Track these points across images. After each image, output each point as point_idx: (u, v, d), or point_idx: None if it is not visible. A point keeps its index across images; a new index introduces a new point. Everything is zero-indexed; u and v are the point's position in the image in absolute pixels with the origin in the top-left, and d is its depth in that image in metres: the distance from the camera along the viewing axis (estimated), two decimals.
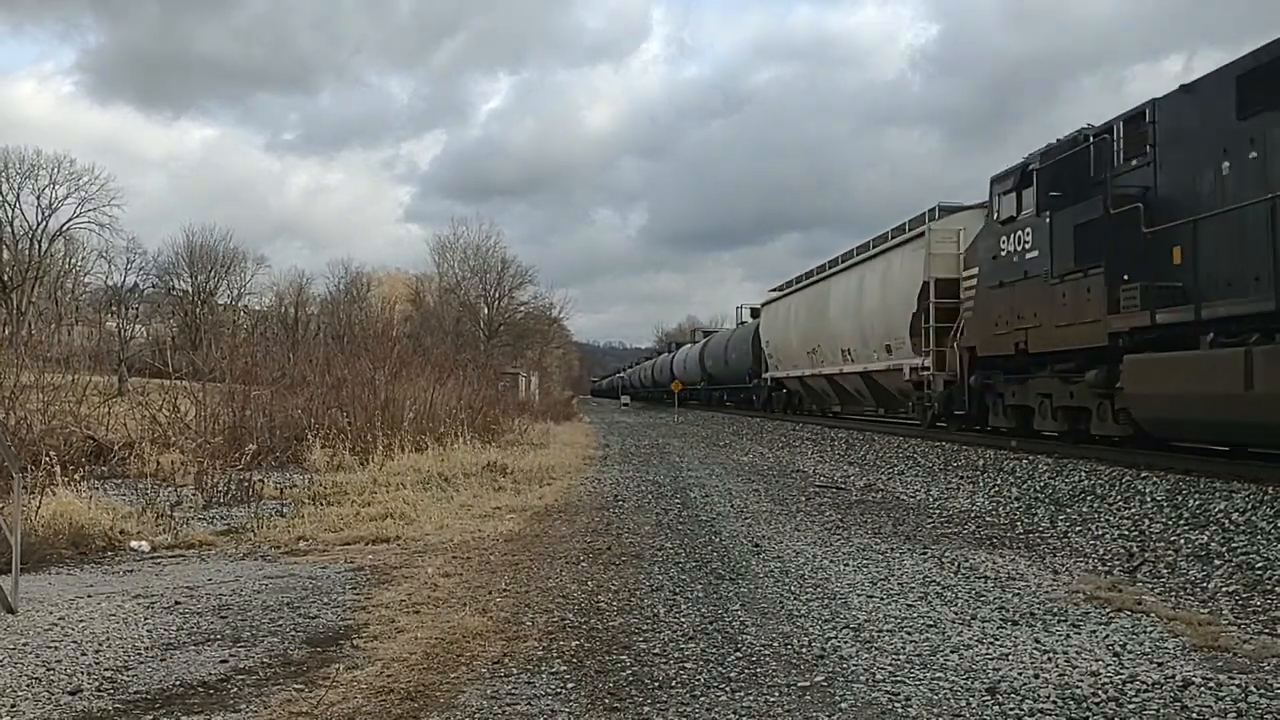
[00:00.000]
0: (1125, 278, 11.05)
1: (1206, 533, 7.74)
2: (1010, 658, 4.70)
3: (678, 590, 6.26)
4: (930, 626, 5.31)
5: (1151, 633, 5.17)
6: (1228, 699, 4.06)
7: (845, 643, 4.99)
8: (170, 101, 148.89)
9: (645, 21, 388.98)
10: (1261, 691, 4.14)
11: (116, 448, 13.00)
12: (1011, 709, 3.97)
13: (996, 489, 11.31)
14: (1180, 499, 8.90)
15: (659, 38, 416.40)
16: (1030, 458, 12.52)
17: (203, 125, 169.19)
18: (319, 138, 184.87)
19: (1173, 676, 4.37)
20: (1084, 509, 9.47)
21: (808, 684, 4.31)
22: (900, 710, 3.98)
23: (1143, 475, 10.08)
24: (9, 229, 57.70)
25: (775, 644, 4.97)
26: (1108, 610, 5.67)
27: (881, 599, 6.00)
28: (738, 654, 4.79)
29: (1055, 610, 5.69)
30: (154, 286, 64.63)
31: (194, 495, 10.57)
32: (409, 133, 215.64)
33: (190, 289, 65.41)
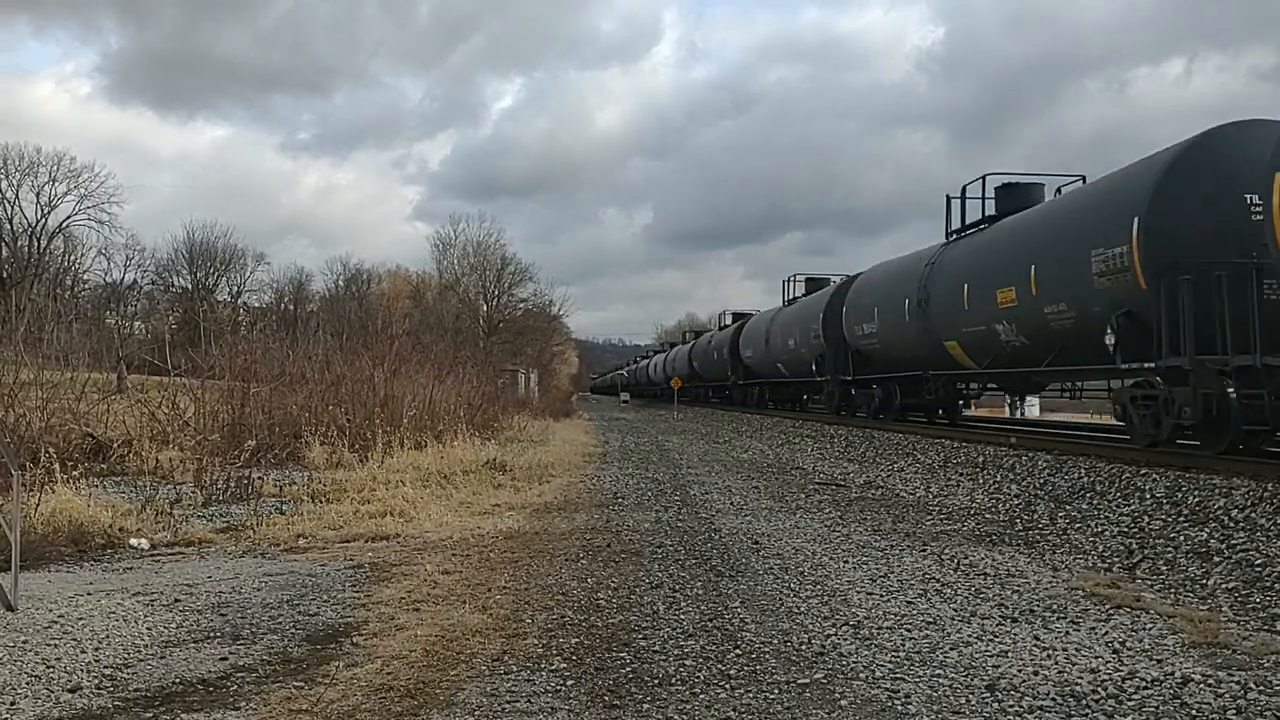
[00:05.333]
0: None
1: (1206, 530, 7.74)
2: (1010, 655, 4.70)
3: (677, 587, 6.26)
4: (930, 623, 5.32)
5: (1151, 630, 5.18)
6: (1227, 696, 4.07)
7: (845, 640, 4.99)
8: (185, 102, 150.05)
9: (657, 25, 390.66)
10: (1261, 688, 4.15)
11: (116, 445, 12.99)
12: (1011, 706, 3.97)
13: (996, 486, 11.32)
14: (1180, 496, 8.90)
15: (670, 40, 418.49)
16: (1030, 454, 12.53)
17: (217, 125, 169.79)
18: (333, 138, 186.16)
19: (1172, 673, 4.37)
20: (1083, 506, 9.47)
21: (807, 681, 4.32)
22: (900, 707, 3.98)
23: (1142, 472, 10.08)
24: (8, 226, 57.76)
25: (775, 641, 4.97)
26: (1107, 607, 5.68)
27: (881, 596, 6.00)
28: (737, 651, 4.79)
29: (1055, 607, 5.69)
30: (153, 284, 64.68)
31: (193, 493, 10.56)
32: (421, 133, 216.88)
33: (190, 286, 65.40)
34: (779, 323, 30.13)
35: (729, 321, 45.18)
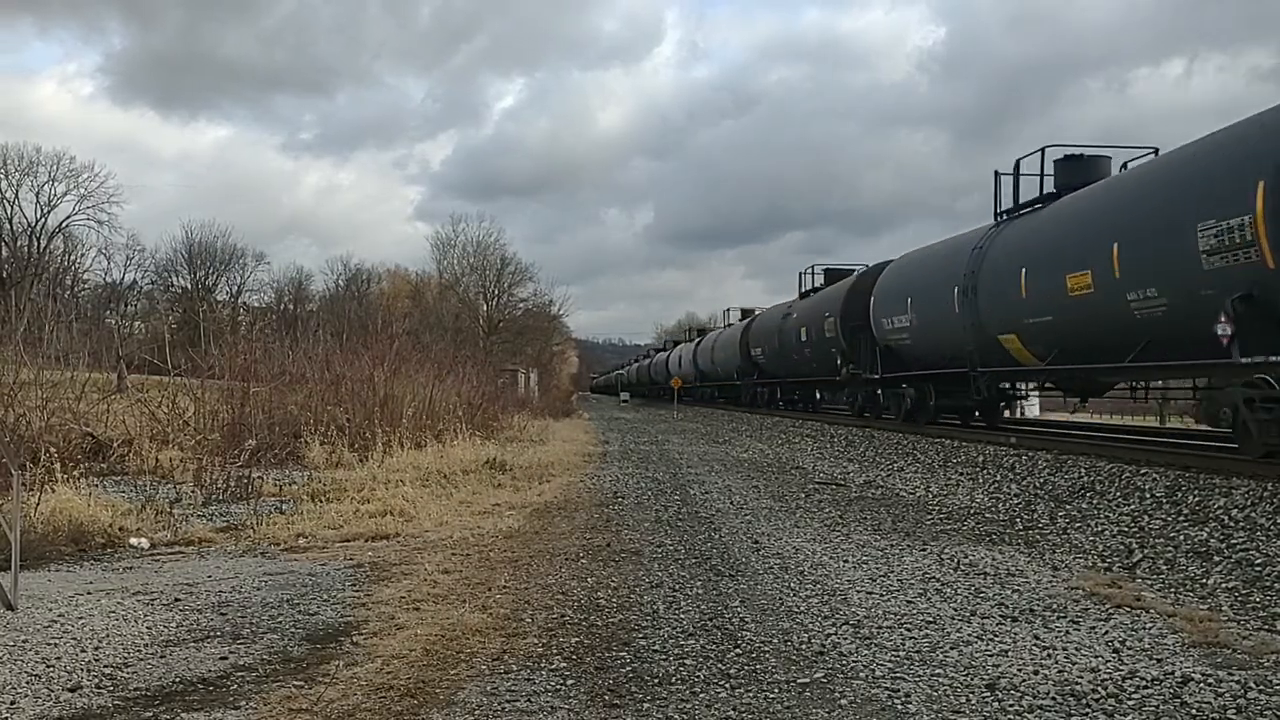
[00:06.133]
0: None
1: (1206, 529, 7.74)
2: (1010, 654, 4.70)
3: (677, 587, 6.26)
4: (930, 623, 5.31)
5: (1151, 629, 5.18)
6: (1227, 695, 4.07)
7: (845, 639, 4.99)
8: (187, 102, 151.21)
9: (659, 25, 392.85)
10: (1260, 688, 4.15)
11: (116, 445, 13.00)
12: (1011, 705, 3.97)
13: (996, 485, 11.32)
14: (1179, 495, 8.90)
15: (672, 40, 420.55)
16: (1030, 454, 12.52)
17: (219, 125, 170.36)
18: (334, 138, 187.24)
19: (1172, 673, 4.37)
20: (1083, 505, 9.47)
21: (807, 680, 4.32)
22: (900, 706, 3.98)
23: (1142, 472, 10.08)
24: (8, 226, 57.78)
25: (775, 640, 4.97)
26: (1107, 606, 5.68)
27: (881, 595, 6.00)
28: (737, 650, 4.79)
29: (1055, 606, 5.69)
30: (153, 283, 64.71)
31: (193, 492, 10.56)
32: (423, 133, 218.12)
33: (190, 285, 65.42)
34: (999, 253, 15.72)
35: (820, 283, 26.72)
